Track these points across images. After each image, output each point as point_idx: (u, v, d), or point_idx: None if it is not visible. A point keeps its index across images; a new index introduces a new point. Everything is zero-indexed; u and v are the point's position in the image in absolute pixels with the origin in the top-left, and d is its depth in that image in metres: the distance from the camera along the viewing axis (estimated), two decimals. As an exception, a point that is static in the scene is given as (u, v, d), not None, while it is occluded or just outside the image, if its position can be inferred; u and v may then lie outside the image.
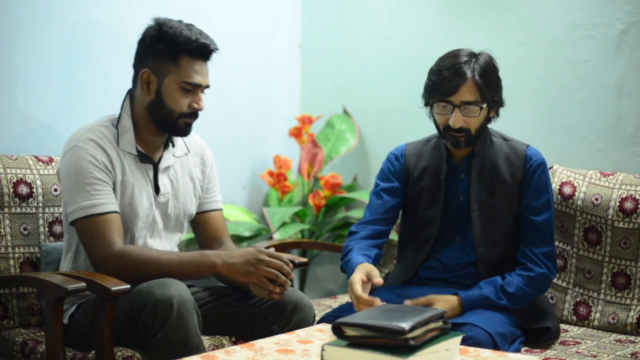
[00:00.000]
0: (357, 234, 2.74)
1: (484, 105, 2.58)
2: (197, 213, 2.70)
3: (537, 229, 2.65)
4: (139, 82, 2.51)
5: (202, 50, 2.49)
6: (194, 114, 2.52)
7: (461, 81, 2.54)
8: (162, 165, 2.58)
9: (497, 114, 2.67)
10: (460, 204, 2.69)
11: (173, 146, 2.62)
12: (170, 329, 2.22)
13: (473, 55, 2.60)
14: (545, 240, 2.65)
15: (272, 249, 2.45)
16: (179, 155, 2.64)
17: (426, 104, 2.66)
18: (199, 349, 2.23)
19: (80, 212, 2.42)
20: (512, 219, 2.68)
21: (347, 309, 2.63)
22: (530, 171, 2.66)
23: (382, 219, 2.75)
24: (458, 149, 2.66)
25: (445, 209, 2.71)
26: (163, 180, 2.58)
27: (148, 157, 2.55)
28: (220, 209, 2.76)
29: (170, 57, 2.47)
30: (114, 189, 2.48)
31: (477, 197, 2.66)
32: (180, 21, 2.52)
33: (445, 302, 2.51)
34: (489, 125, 2.70)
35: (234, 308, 2.54)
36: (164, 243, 2.62)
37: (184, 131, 2.55)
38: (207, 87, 2.54)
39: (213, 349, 2.48)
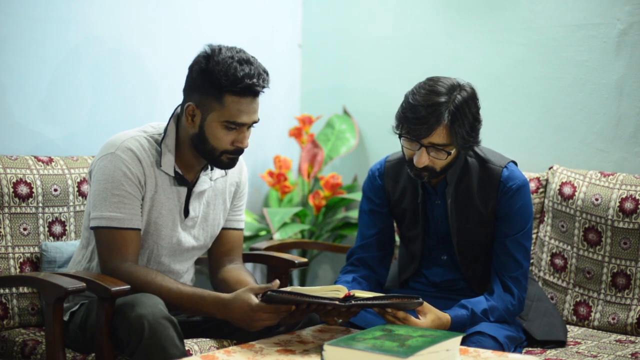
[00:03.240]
0: (351, 258, 2.74)
1: (453, 151, 2.44)
2: None
3: (511, 255, 2.55)
4: (184, 112, 2.42)
5: (248, 91, 2.36)
6: (237, 151, 2.44)
7: (435, 125, 2.38)
8: (196, 189, 2.52)
9: (472, 150, 2.55)
10: (440, 227, 2.64)
11: (211, 169, 2.55)
12: (146, 346, 2.20)
13: (453, 90, 2.41)
14: (519, 265, 2.56)
15: (276, 282, 2.34)
16: (216, 178, 2.58)
17: (396, 128, 2.49)
18: (180, 358, 2.21)
19: (102, 221, 2.40)
20: (490, 239, 2.61)
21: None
22: (506, 198, 2.55)
23: (375, 245, 2.72)
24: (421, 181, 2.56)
25: (427, 229, 2.66)
26: (194, 204, 2.53)
27: (184, 180, 2.49)
28: (241, 229, 2.69)
29: (214, 95, 2.35)
30: (142, 204, 2.44)
31: (454, 223, 2.59)
32: (232, 48, 2.38)
33: (436, 317, 2.41)
34: None
35: None
36: (184, 263, 2.59)
37: (228, 165, 2.46)
38: (255, 122, 2.43)
39: (214, 350, 2.47)
